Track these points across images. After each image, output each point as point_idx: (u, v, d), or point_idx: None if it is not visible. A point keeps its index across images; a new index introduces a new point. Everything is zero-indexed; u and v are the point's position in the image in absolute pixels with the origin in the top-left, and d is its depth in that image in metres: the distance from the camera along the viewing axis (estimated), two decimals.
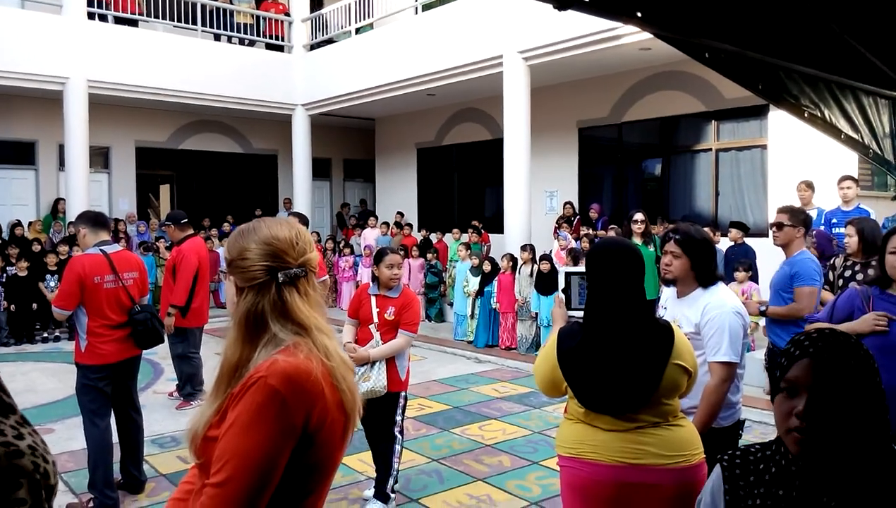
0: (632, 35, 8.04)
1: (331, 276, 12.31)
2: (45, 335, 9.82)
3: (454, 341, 9.44)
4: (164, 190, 15.38)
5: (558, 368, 2.26)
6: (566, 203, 10.68)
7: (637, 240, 7.04)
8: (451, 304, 10.33)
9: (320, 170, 15.27)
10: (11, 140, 12.44)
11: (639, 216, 7.16)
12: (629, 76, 10.31)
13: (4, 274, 9.62)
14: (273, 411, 1.30)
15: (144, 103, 12.54)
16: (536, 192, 10.64)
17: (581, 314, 2.33)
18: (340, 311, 10.73)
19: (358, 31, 12.47)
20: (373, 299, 3.95)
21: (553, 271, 8.15)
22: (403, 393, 4.03)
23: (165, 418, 6.12)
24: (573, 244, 8.84)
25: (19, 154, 12.61)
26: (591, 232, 9.21)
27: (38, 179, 12.73)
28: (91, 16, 11.27)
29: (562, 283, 2.65)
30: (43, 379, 7.48)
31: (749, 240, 7.93)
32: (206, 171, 14.86)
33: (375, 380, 3.75)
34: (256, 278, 1.44)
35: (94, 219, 4.28)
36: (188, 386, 6.47)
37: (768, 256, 5.90)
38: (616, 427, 2.20)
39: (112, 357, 4.17)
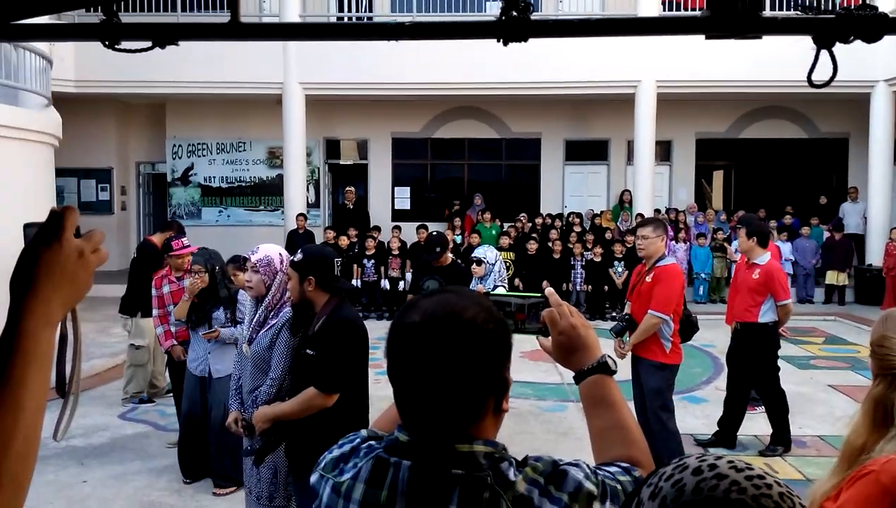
0: None
1: None
2: (614, 314, 11.00)
3: None
4: (717, 176, 15.44)
5: None
6: None
7: None
8: None
9: None
10: (588, 139, 14.31)
11: None
12: None
13: (582, 258, 11.12)
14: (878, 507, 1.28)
15: (705, 96, 12.77)
16: None
17: None
18: None
19: None
20: None
21: None
22: None
23: None
24: None
25: (594, 151, 14.42)
26: None
27: (609, 173, 14.33)
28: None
29: None
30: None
31: None
32: (764, 159, 14.33)
33: None
34: (891, 368, 1.41)
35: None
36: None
37: None
38: None
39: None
